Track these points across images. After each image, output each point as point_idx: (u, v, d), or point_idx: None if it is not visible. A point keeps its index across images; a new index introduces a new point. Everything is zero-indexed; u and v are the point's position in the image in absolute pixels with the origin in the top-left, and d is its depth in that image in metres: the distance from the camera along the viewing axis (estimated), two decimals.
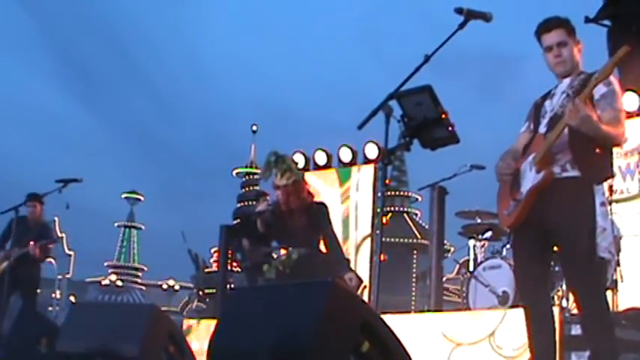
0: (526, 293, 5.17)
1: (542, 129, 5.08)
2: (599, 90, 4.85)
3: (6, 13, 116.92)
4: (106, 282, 51.74)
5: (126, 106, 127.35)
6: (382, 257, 5.23)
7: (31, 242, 10.43)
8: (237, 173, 39.44)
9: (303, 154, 12.62)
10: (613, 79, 4.94)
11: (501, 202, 5.26)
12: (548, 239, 4.95)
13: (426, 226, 19.50)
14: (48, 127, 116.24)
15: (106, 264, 55.85)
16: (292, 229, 8.05)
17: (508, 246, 8.89)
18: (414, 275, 24.12)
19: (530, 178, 4.99)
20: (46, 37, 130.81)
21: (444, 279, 12.89)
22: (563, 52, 5.05)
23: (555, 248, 5.03)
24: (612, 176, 5.19)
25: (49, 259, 11.52)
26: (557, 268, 6.53)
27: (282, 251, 8.22)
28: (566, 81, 5.07)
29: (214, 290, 19.56)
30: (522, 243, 5.16)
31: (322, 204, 8.40)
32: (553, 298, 7.63)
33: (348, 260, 8.66)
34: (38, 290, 11.54)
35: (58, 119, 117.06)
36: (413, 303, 22.50)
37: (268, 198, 9.69)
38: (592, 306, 4.80)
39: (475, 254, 9.95)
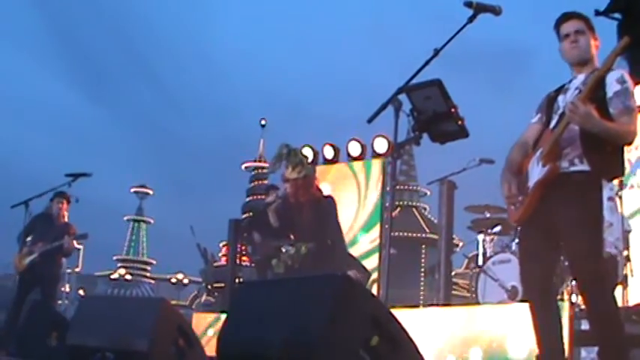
0: (531, 288, 5.15)
1: (552, 124, 5.06)
2: (613, 87, 4.82)
3: (18, 12, 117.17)
4: (115, 276, 51.85)
5: (135, 101, 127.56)
6: (391, 251, 5.23)
7: (66, 236, 10.49)
8: (246, 167, 39.52)
9: (312, 148, 12.58)
10: (627, 77, 4.91)
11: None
12: (555, 234, 4.92)
13: (435, 221, 19.47)
14: (58, 122, 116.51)
15: (115, 258, 56.01)
16: (301, 224, 8.07)
17: (517, 240, 8.88)
18: (423, 270, 24.13)
19: (536, 172, 4.97)
20: (57, 35, 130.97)
21: (453, 273, 12.85)
22: (580, 39, 5.02)
23: (562, 243, 5.02)
24: (622, 174, 5.17)
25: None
26: (566, 263, 6.50)
27: (291, 246, 8.23)
28: (581, 77, 5.03)
29: (223, 284, 19.54)
30: (529, 237, 5.14)
31: (330, 198, 8.41)
32: (562, 293, 7.61)
33: (352, 256, 8.70)
34: (61, 288, 11.67)
35: (68, 115, 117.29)
36: (421, 297, 22.52)
37: (278, 192, 9.68)
38: (599, 302, 4.77)
39: (484, 248, 9.94)
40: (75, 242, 10.95)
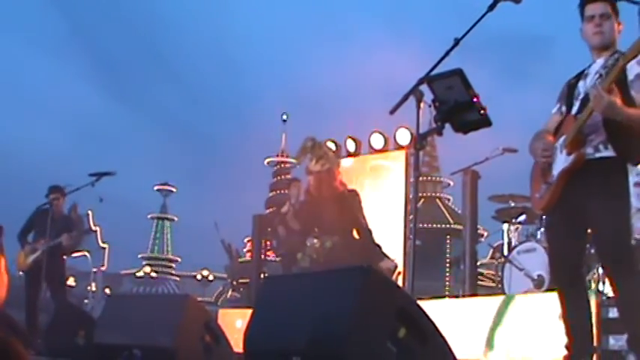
0: (560, 277, 5.13)
1: (574, 110, 5.03)
2: (634, 70, 4.78)
3: (38, 13, 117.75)
4: (140, 274, 52.00)
5: (156, 99, 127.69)
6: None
7: (65, 234, 10.47)
8: (268, 162, 39.53)
9: (334, 142, 12.57)
10: None
11: (534, 185, 5.23)
12: (582, 221, 4.90)
13: (459, 211, 19.43)
14: (81, 122, 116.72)
15: (140, 256, 56.17)
16: (325, 218, 8.07)
17: (542, 229, 8.83)
18: (448, 260, 24.07)
19: (561, 160, 4.94)
20: (78, 35, 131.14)
21: (478, 264, 12.77)
22: (604, 24, 4.99)
23: (589, 230, 4.98)
24: None
25: (82, 253, 11.59)
26: (592, 251, 6.47)
27: (316, 240, 8.23)
28: (600, 61, 5.01)
29: (248, 280, 19.57)
30: (555, 226, 5.13)
31: (354, 192, 8.40)
32: (589, 281, 7.57)
33: (379, 247, 8.67)
34: (72, 283, 11.65)
35: (90, 115, 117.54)
36: (447, 288, 22.46)
37: (300, 183, 9.70)
38: (628, 288, 4.74)
39: (509, 238, 9.89)
40: (76, 237, 10.86)
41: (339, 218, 8.08)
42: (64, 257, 10.97)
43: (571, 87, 5.16)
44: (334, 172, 8.19)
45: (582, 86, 5.05)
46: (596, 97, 4.63)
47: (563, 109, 5.16)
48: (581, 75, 5.13)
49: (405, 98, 4.71)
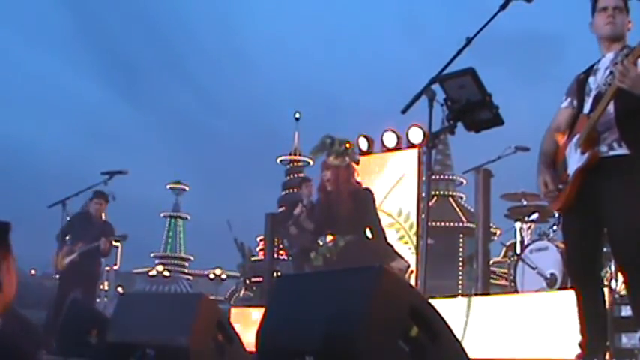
0: (577, 276, 5.13)
1: (586, 108, 5.02)
2: None
3: (50, 14, 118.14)
4: (153, 272, 52.11)
5: (168, 98, 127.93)
6: (428, 242, 5.23)
7: (103, 237, 10.57)
8: (281, 161, 39.55)
9: (347, 141, 12.55)
10: None
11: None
12: (598, 220, 4.89)
13: (472, 210, 19.40)
14: (93, 122, 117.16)
15: (152, 255, 56.32)
16: (339, 215, 8.11)
17: (555, 227, 8.83)
18: (461, 259, 24.03)
19: (575, 159, 4.94)
20: (88, 34, 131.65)
21: (491, 262, 12.76)
22: (617, 16, 4.99)
23: (605, 229, 4.97)
24: None
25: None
26: (605, 249, 6.46)
27: (329, 237, 8.27)
28: (609, 55, 5.00)
29: (261, 278, 19.58)
30: (572, 225, 5.12)
31: (368, 190, 8.44)
32: (602, 279, 7.56)
33: (392, 246, 8.71)
34: (100, 286, 11.77)
35: (102, 114, 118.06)
36: (460, 287, 22.43)
37: (311, 183, 9.72)
38: None
39: (522, 236, 9.90)
40: (112, 242, 11.00)
41: (353, 216, 8.12)
42: (101, 260, 11.12)
43: (580, 82, 5.14)
44: (353, 169, 8.27)
45: (593, 82, 5.04)
46: (622, 71, 4.60)
47: (575, 103, 5.15)
48: (590, 70, 5.12)
49: (418, 97, 4.72)
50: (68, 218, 10.43)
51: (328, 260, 8.14)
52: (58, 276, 10.86)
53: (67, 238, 10.78)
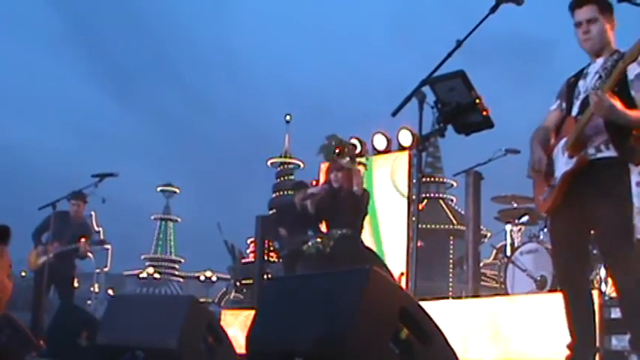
0: (564, 277, 5.14)
1: (574, 111, 5.03)
2: (634, 70, 4.77)
3: (39, 14, 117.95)
4: (143, 275, 52.08)
5: (159, 100, 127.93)
6: (418, 244, 5.24)
7: (82, 239, 10.49)
8: (271, 163, 39.61)
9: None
10: None
11: (537, 187, 5.23)
12: (585, 222, 4.91)
13: (462, 212, 19.43)
14: (84, 123, 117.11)
15: (143, 257, 56.31)
16: (340, 210, 8.46)
17: (545, 230, 8.84)
18: (451, 261, 24.06)
19: (563, 162, 4.95)
20: (79, 35, 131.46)
21: (481, 264, 12.79)
22: (592, 29, 4.96)
23: (592, 231, 4.99)
24: None
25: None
26: (595, 251, 6.48)
27: (323, 227, 8.68)
28: (599, 61, 5.00)
29: (251, 281, 19.59)
30: (559, 227, 5.12)
31: (367, 192, 8.79)
32: (592, 281, 7.57)
33: (373, 252, 9.22)
34: (75, 285, 11.61)
35: (93, 115, 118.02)
36: (450, 289, 22.45)
37: (309, 189, 9.80)
38: (631, 288, 4.74)
39: (512, 239, 9.92)
40: (89, 245, 10.88)
41: (352, 213, 8.54)
42: (76, 260, 11.00)
43: (570, 86, 5.15)
44: (360, 172, 8.60)
45: (582, 86, 5.05)
46: (597, 102, 4.63)
47: (564, 105, 5.16)
48: (580, 74, 5.13)
49: (408, 100, 4.72)
50: (46, 217, 10.37)
51: (321, 252, 8.36)
52: (31, 275, 10.75)
53: (44, 237, 10.69)
